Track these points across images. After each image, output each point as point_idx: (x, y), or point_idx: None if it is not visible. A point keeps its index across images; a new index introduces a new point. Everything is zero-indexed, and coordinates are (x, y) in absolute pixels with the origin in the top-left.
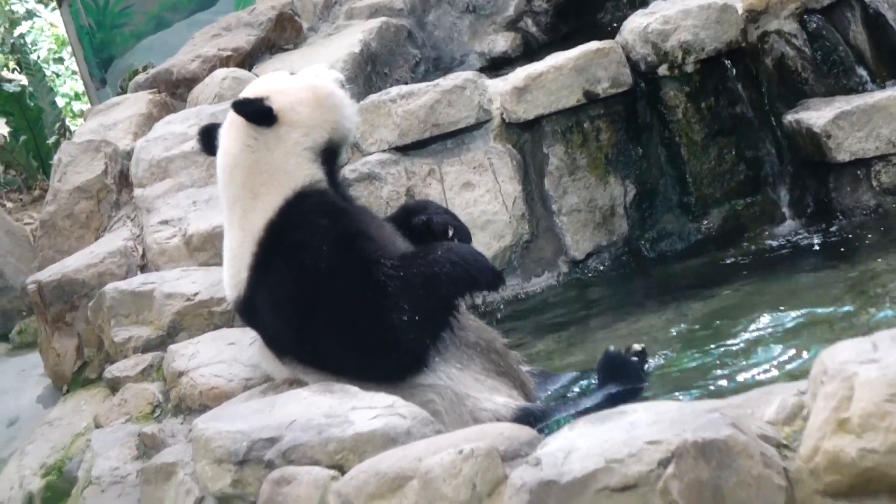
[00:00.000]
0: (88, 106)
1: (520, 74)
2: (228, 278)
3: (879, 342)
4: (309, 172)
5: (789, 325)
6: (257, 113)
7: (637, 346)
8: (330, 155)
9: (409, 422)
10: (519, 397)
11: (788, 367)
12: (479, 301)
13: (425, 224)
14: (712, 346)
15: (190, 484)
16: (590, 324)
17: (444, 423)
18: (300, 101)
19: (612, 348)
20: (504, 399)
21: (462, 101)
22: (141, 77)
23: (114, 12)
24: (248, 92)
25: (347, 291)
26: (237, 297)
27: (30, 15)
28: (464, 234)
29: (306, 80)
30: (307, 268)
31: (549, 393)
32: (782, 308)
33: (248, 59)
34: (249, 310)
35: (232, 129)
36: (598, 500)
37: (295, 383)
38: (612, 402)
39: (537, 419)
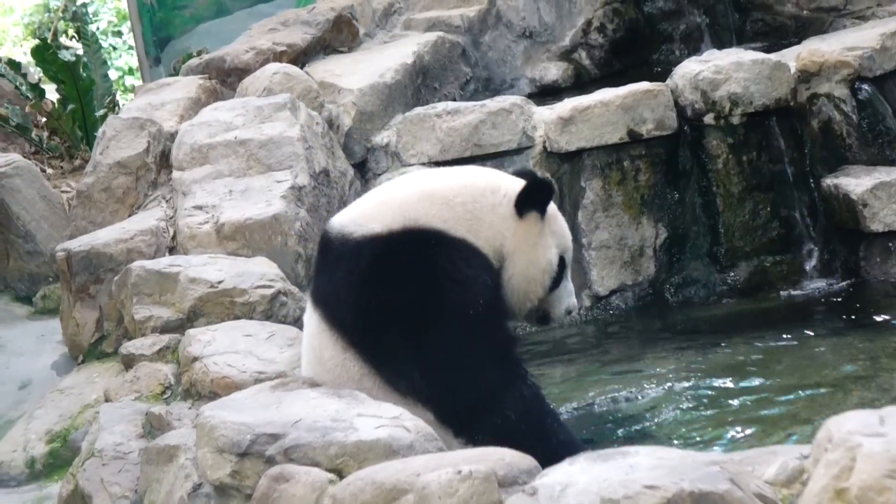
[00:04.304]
0: (140, 82)
1: (567, 105)
2: (358, 213)
3: (887, 416)
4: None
5: (799, 386)
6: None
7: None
8: None
9: (412, 435)
10: None
11: (791, 428)
12: None
13: None
14: (721, 398)
15: (190, 469)
16: (603, 360)
17: None
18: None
19: None
20: None
21: (506, 125)
22: (194, 61)
23: None
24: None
25: (481, 360)
26: (350, 235)
27: None
28: None
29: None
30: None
31: None
32: (795, 368)
33: (301, 57)
34: (350, 261)
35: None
36: None
37: (306, 382)
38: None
39: None
